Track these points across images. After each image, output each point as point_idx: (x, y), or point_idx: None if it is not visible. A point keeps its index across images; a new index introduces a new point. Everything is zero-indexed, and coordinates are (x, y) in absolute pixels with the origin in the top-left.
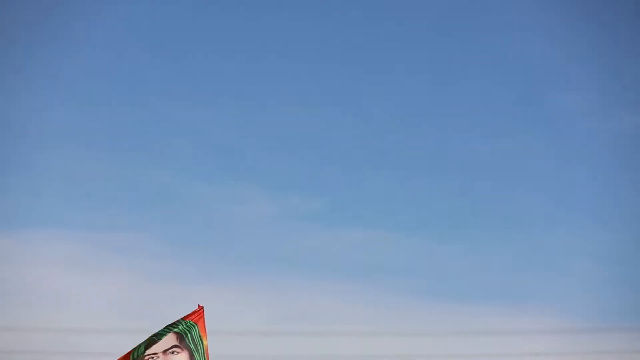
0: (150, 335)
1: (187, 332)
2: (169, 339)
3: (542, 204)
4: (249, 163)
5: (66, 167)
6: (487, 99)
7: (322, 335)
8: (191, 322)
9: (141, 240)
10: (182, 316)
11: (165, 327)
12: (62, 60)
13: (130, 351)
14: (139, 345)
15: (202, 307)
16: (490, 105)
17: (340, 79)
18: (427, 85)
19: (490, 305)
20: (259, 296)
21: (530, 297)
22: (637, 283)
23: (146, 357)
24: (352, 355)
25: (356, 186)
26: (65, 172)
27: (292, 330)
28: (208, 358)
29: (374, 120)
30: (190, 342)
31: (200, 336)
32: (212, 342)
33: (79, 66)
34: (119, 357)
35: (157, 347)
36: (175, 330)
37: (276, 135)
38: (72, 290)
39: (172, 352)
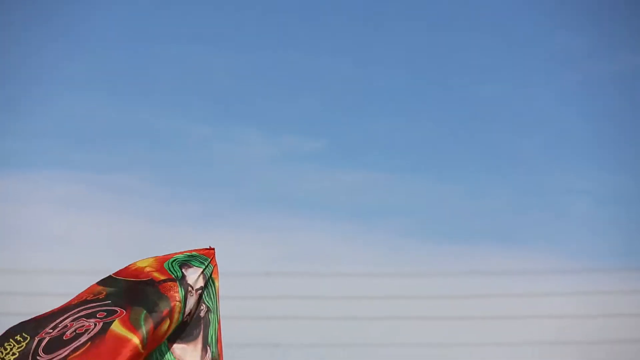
0: (177, 253)
1: (208, 274)
2: (198, 275)
3: (542, 145)
4: (248, 105)
5: (65, 109)
6: (488, 40)
7: (322, 276)
8: (210, 262)
9: (141, 182)
10: (196, 249)
11: (191, 255)
12: (60, 5)
13: (160, 264)
14: (170, 260)
15: (214, 249)
16: (491, 48)
17: (340, 23)
18: (428, 29)
19: (490, 246)
20: (259, 237)
21: (529, 238)
22: (638, 224)
23: (189, 288)
24: (351, 296)
25: (356, 128)
26: (64, 114)
27: (292, 271)
28: (219, 299)
29: (373, 63)
30: (212, 282)
31: (213, 278)
32: (221, 286)
33: (77, 10)
34: (148, 271)
35: (192, 277)
36: (201, 267)
37: (276, 78)
38: (73, 232)
39: (199, 293)
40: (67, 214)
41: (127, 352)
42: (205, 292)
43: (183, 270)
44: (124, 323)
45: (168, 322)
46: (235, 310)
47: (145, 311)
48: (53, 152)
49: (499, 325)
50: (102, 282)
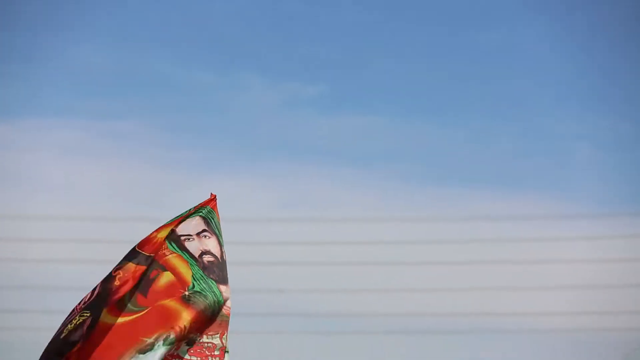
0: (176, 216)
1: (210, 218)
2: (198, 223)
3: (543, 90)
4: (251, 52)
5: (68, 57)
6: None
7: (324, 221)
8: (210, 207)
9: (144, 129)
10: (199, 203)
11: (190, 211)
12: None
13: (159, 229)
14: (167, 225)
15: (215, 196)
16: None
17: None
18: None
19: (491, 191)
20: (261, 184)
21: (530, 183)
22: (638, 169)
23: (182, 238)
24: (353, 241)
25: (357, 73)
26: (67, 62)
27: (293, 217)
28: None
29: (376, 9)
30: (215, 228)
31: (218, 222)
32: (224, 232)
33: None
34: (149, 236)
35: (187, 228)
36: (201, 214)
37: (278, 26)
38: (76, 179)
39: (205, 236)
40: (68, 160)
41: (113, 334)
42: (219, 234)
43: (174, 226)
44: (111, 311)
45: (167, 273)
46: (238, 256)
47: (133, 289)
48: (55, 100)
49: (501, 270)
50: (129, 257)
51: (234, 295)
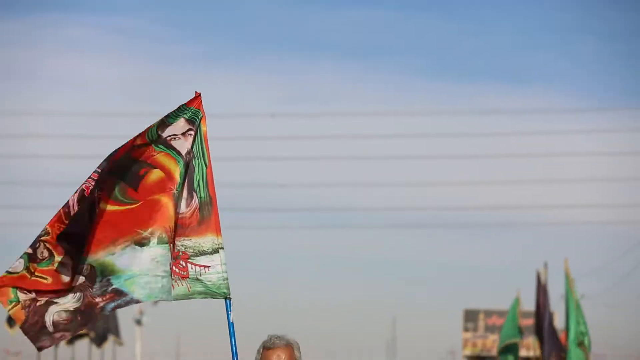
0: (161, 117)
1: (194, 117)
2: (183, 123)
3: None
4: None
5: None
6: None
7: (327, 116)
8: (195, 108)
9: (146, 24)
10: (184, 103)
11: (173, 112)
12: None
13: (145, 131)
14: (152, 127)
15: (200, 94)
16: None
17: None
18: None
19: (495, 85)
20: (263, 78)
21: (535, 75)
22: None
23: (168, 138)
24: (357, 135)
25: None
26: None
27: (297, 112)
28: (207, 142)
29: None
30: (199, 127)
31: (201, 124)
32: (221, 127)
33: None
34: (134, 137)
35: (173, 129)
36: (184, 116)
37: None
38: (80, 74)
39: (190, 134)
40: (75, 56)
41: (100, 218)
42: (193, 122)
43: (159, 131)
44: (105, 200)
45: (156, 170)
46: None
47: (119, 181)
48: None
49: (507, 164)
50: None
51: (237, 190)
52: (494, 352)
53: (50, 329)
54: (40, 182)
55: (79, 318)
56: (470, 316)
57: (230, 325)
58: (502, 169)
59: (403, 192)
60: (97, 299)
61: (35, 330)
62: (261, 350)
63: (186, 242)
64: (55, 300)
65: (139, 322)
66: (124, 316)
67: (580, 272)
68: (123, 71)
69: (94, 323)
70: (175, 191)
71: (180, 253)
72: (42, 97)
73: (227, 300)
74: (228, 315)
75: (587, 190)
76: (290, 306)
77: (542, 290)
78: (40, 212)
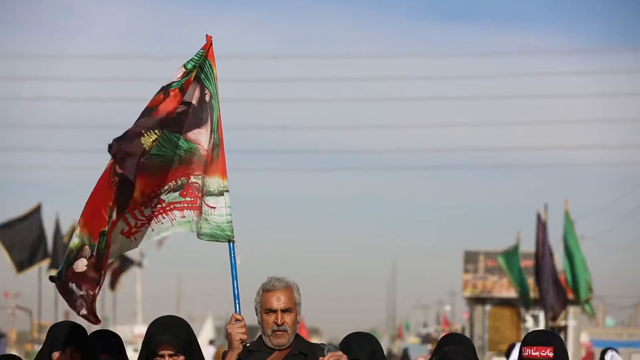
0: (182, 65)
1: (203, 62)
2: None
3: None
4: None
5: None
6: None
7: (331, 58)
8: (204, 54)
9: None
10: (200, 49)
11: (192, 59)
12: None
13: (176, 82)
14: (178, 79)
15: (211, 37)
16: None
17: None
18: None
19: (497, 26)
20: (266, 19)
21: (534, 17)
22: None
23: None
24: (361, 78)
25: None
26: None
27: (300, 54)
28: (218, 86)
29: None
30: (210, 69)
31: (211, 66)
32: (222, 68)
33: None
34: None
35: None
36: (198, 61)
37: None
38: (92, 18)
39: (201, 79)
40: None
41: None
42: (204, 77)
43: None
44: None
45: (165, 105)
46: (243, 93)
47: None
48: None
49: (508, 105)
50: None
51: (238, 131)
52: (495, 293)
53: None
54: (45, 124)
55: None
56: (470, 258)
57: (234, 267)
58: (503, 110)
59: (403, 134)
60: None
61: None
62: (261, 292)
63: (206, 180)
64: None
65: (139, 264)
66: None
67: (580, 214)
68: (127, 15)
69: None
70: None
71: (201, 190)
72: (44, 39)
73: (231, 243)
74: (231, 258)
75: (588, 132)
76: (291, 248)
77: (542, 232)
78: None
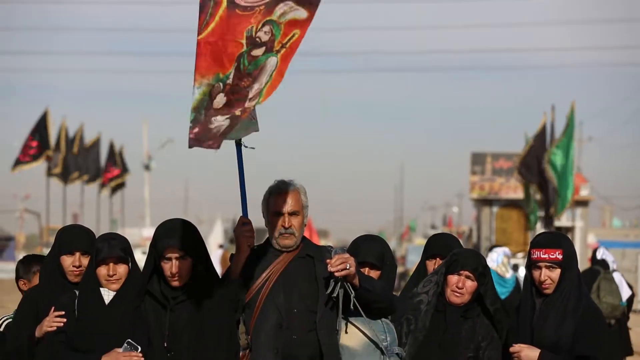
0: None
1: None
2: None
3: None
4: None
5: None
6: None
7: None
8: None
9: None
10: None
11: None
12: None
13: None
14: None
15: None
16: None
17: None
18: None
19: None
20: None
21: None
22: None
23: None
24: None
25: None
26: None
27: None
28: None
29: None
30: None
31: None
32: None
33: None
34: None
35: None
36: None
37: None
38: None
39: None
40: None
41: None
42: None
43: None
44: None
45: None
46: None
47: None
48: None
49: (513, 5)
50: None
51: None
52: (502, 194)
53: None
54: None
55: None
56: (478, 159)
57: (241, 171)
58: (509, 11)
59: (409, 36)
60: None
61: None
62: (268, 195)
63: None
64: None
65: (147, 167)
66: (132, 161)
67: (587, 115)
68: None
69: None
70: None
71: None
72: None
73: (238, 146)
74: (239, 161)
75: (596, 32)
76: (297, 151)
77: (548, 133)
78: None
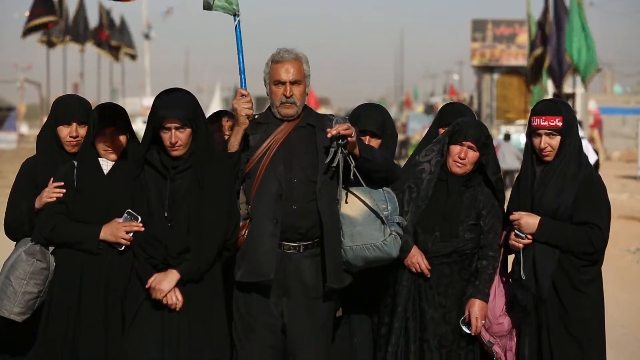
0: None
1: None
2: None
3: None
4: None
5: None
6: None
7: None
8: None
9: None
10: None
11: None
12: None
13: None
14: None
15: None
16: None
17: None
18: None
19: None
20: None
21: None
22: None
23: None
24: None
25: None
26: None
27: None
28: None
29: None
30: None
31: None
32: None
33: None
34: None
35: None
36: None
37: None
38: None
39: None
40: None
41: None
42: None
43: None
44: None
45: None
46: None
47: None
48: None
49: None
50: None
51: None
52: (503, 61)
53: None
54: None
55: None
56: (479, 26)
57: (239, 42)
58: None
59: None
60: None
61: None
62: (270, 63)
63: None
64: None
65: (147, 36)
66: (132, 30)
67: None
68: None
69: None
70: None
71: None
72: None
73: (236, 16)
74: (237, 32)
75: None
76: (298, 18)
77: (553, 2)
78: None
